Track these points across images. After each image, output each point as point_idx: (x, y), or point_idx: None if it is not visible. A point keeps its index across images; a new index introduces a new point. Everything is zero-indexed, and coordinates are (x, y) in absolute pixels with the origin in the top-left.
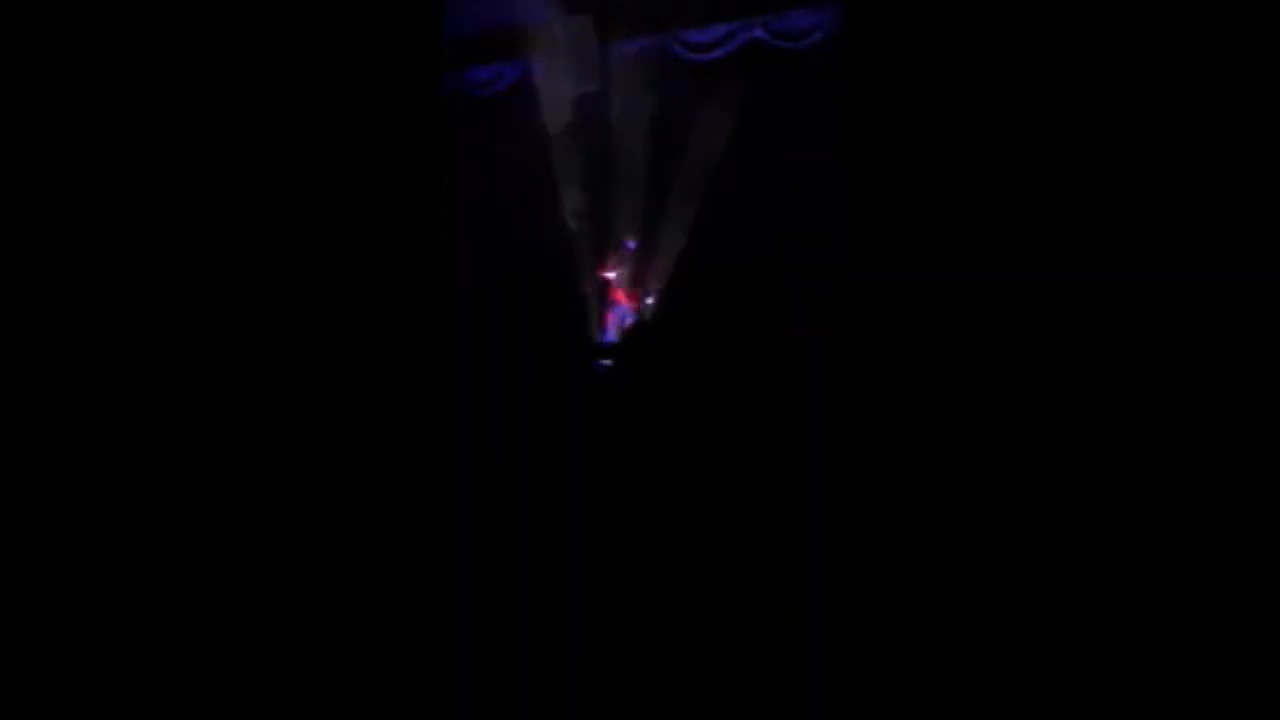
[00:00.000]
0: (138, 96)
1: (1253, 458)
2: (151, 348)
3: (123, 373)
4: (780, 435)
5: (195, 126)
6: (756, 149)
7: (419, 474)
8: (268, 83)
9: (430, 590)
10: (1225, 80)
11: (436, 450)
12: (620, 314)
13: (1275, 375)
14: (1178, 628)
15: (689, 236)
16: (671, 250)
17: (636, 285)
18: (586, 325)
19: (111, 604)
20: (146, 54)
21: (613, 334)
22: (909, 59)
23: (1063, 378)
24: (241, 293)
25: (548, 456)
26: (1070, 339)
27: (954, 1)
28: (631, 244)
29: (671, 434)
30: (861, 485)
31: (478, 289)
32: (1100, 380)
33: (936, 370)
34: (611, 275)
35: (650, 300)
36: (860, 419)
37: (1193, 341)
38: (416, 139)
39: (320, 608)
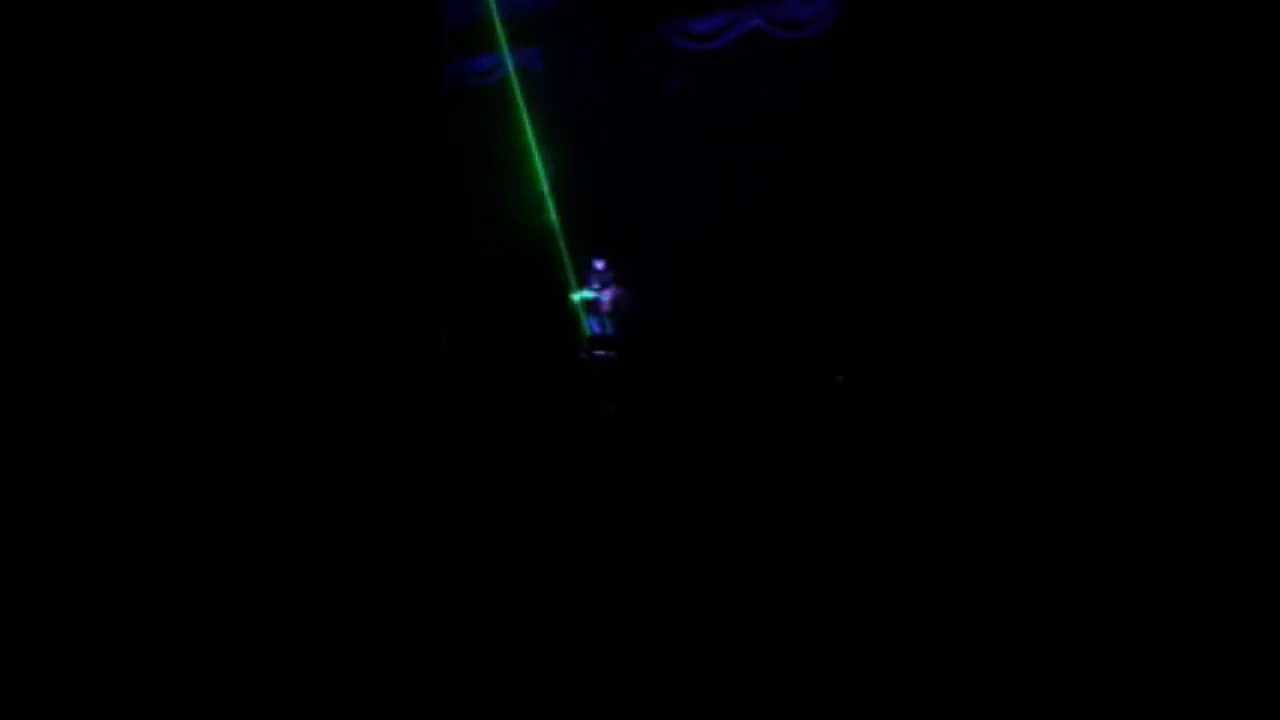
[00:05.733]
0: (133, 88)
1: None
2: (145, 341)
3: (121, 362)
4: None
5: (192, 118)
6: (755, 138)
7: (415, 467)
8: (264, 66)
9: (433, 587)
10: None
11: (433, 441)
12: (608, 307)
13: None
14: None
15: (687, 225)
16: (668, 239)
17: (624, 280)
18: (581, 316)
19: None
20: (142, 45)
21: (605, 325)
22: (909, 48)
23: (1065, 368)
24: (239, 281)
25: (553, 450)
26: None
27: None
28: (600, 264)
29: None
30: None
31: (475, 279)
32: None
33: (937, 354)
34: (596, 289)
35: (625, 294)
36: (864, 407)
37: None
38: (416, 128)
39: (320, 605)
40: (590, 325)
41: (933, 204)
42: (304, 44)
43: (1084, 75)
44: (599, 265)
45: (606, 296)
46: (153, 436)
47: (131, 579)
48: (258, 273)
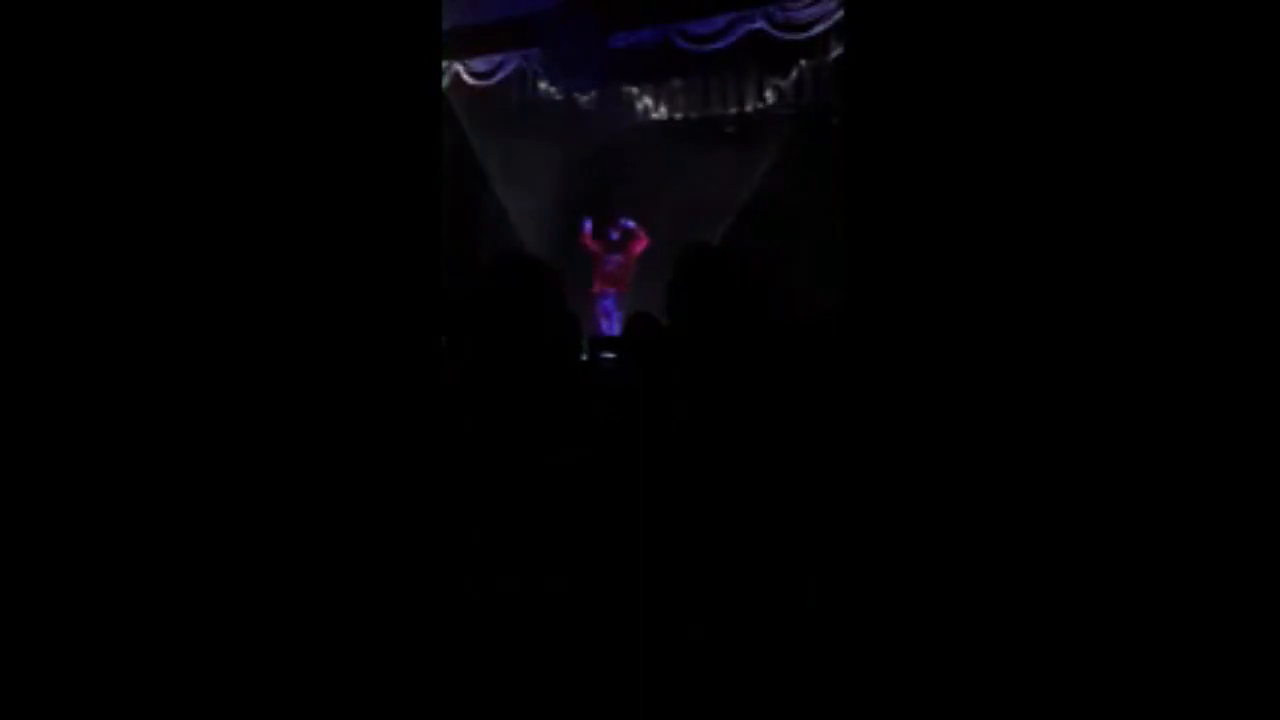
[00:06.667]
0: (129, 86)
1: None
2: (143, 340)
3: (118, 358)
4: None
5: (184, 117)
6: (755, 138)
7: (414, 467)
8: (260, 64)
9: (425, 586)
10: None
11: (432, 442)
12: (610, 305)
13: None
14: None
15: (687, 226)
16: (668, 240)
17: (626, 275)
18: (584, 317)
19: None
20: (138, 42)
21: (609, 326)
22: (911, 49)
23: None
24: (234, 280)
25: (550, 452)
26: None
27: None
28: (630, 222)
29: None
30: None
31: (475, 279)
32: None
33: (942, 358)
34: (605, 259)
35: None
36: (867, 409)
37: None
38: (416, 128)
39: (318, 603)
40: (600, 326)
41: (936, 205)
42: (301, 42)
43: (1090, 73)
44: (629, 224)
45: (616, 261)
46: (150, 433)
47: (131, 568)
48: (253, 271)
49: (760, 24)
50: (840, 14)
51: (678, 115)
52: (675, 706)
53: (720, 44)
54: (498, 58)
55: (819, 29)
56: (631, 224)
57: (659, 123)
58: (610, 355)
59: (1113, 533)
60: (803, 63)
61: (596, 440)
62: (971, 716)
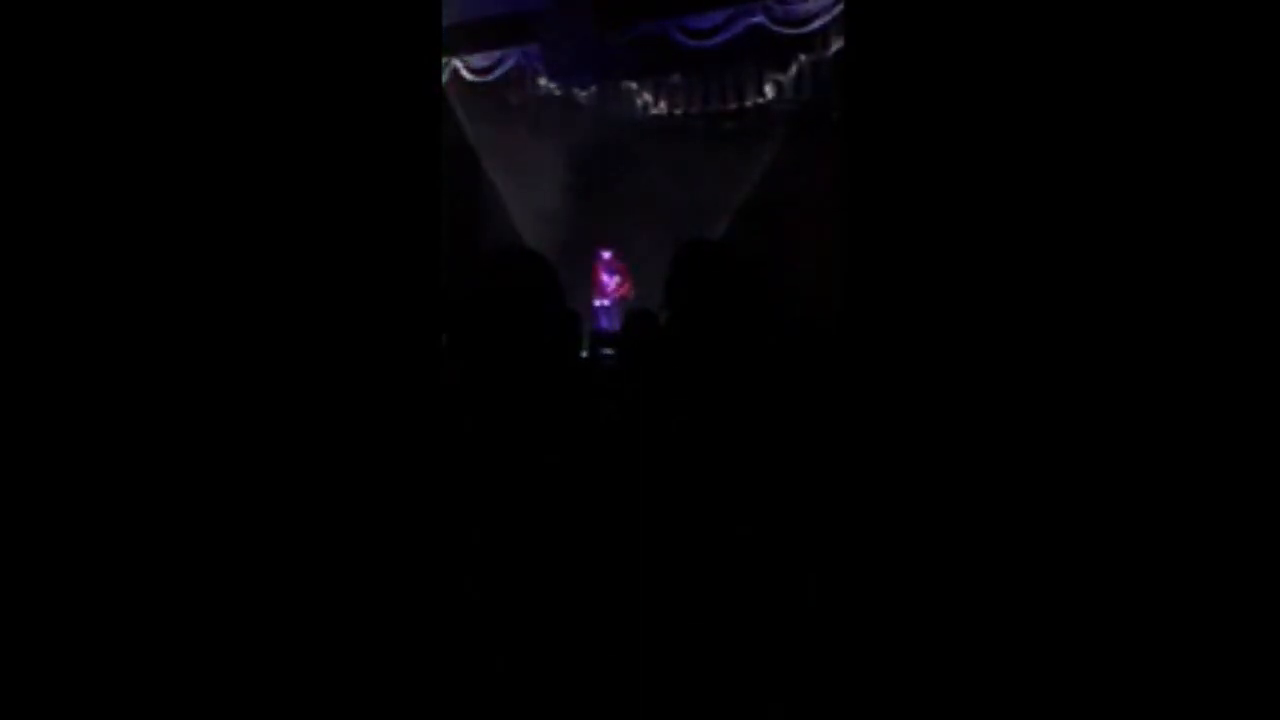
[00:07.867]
0: (127, 84)
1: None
2: (142, 340)
3: (119, 360)
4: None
5: (184, 115)
6: (754, 135)
7: (413, 469)
8: (258, 63)
9: (426, 587)
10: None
11: (432, 443)
12: (611, 304)
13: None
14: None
15: (686, 223)
16: (667, 238)
17: (626, 275)
18: (584, 314)
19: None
20: (137, 40)
21: (607, 322)
22: (911, 45)
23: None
24: (232, 282)
25: (549, 452)
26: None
27: None
28: (606, 254)
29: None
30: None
31: (474, 275)
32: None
33: (942, 357)
34: (605, 272)
35: (632, 289)
36: (868, 408)
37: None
38: (415, 127)
39: (318, 602)
40: (600, 321)
41: (937, 202)
42: (301, 40)
43: (1090, 67)
44: (605, 255)
45: (614, 282)
46: (148, 433)
47: (131, 568)
48: (252, 271)
49: (759, 18)
50: (839, 8)
51: (677, 111)
52: (675, 706)
53: (719, 39)
54: (496, 54)
55: (818, 24)
56: (607, 255)
57: (658, 118)
58: (610, 352)
59: (1111, 534)
60: (802, 58)
61: (596, 438)
62: (971, 715)
